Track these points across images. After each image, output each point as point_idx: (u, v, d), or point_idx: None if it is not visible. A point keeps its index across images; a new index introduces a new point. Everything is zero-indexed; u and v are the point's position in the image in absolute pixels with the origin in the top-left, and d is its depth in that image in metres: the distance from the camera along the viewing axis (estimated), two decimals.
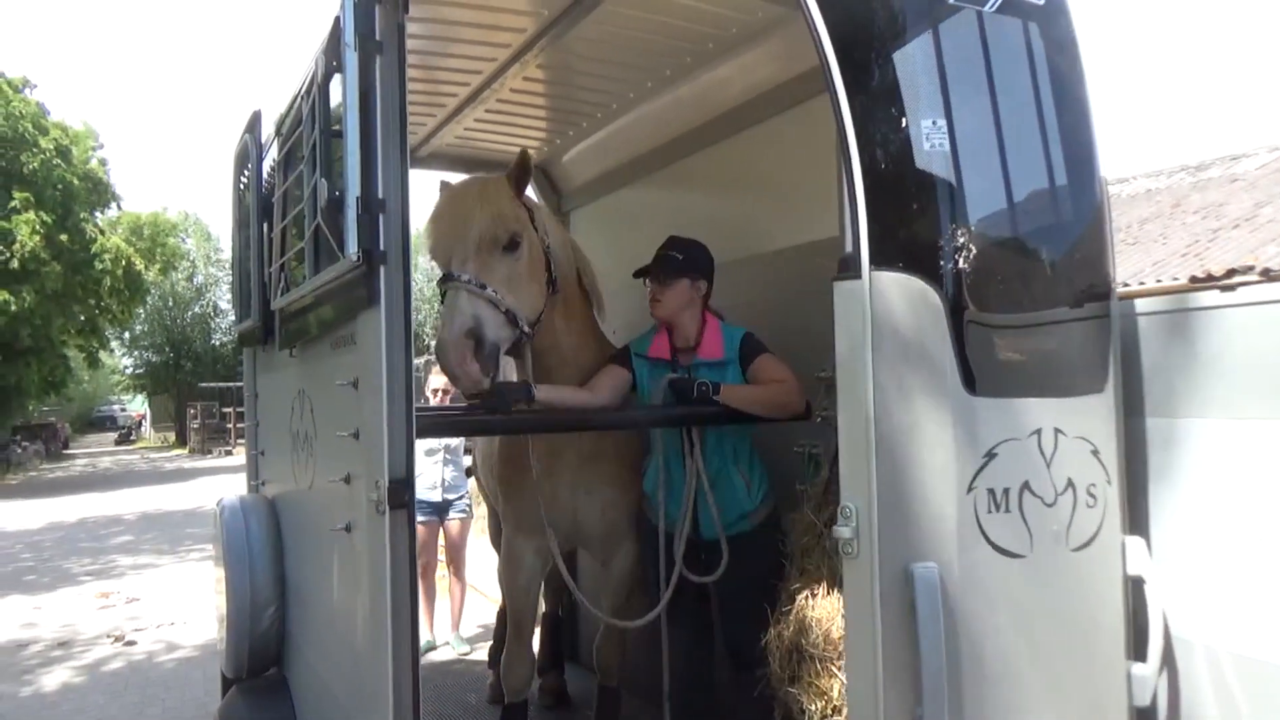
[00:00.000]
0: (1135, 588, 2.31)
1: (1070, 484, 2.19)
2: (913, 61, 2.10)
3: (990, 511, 2.07)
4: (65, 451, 43.33)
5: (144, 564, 11.64)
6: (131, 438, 51.80)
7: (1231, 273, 9.45)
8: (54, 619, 8.61)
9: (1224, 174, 14.55)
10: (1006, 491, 2.09)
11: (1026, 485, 2.12)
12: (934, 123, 2.06)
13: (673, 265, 3.51)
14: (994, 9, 2.19)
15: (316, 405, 3.54)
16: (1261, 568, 2.12)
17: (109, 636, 7.85)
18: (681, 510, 3.45)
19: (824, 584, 2.89)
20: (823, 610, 2.83)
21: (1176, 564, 2.32)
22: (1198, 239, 11.82)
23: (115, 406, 64.10)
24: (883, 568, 2.00)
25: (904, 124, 2.05)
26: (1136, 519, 2.36)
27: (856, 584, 2.07)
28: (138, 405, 58.78)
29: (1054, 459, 2.16)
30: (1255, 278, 9.01)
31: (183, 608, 8.64)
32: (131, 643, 7.64)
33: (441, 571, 7.10)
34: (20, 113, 23.78)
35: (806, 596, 2.91)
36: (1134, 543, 2.33)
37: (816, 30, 2.08)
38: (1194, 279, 9.81)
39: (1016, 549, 2.11)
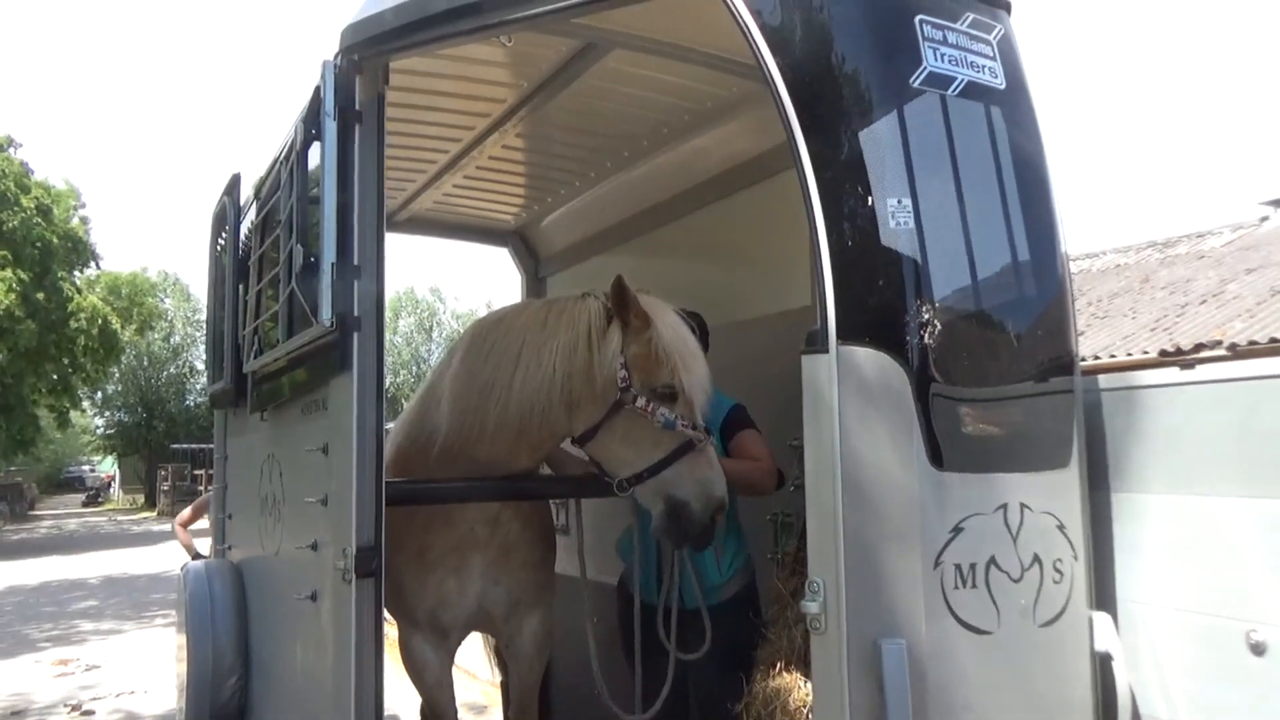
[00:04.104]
0: (1103, 664, 2.30)
1: (1037, 559, 2.19)
2: (878, 141, 2.15)
3: (957, 587, 2.07)
4: (31, 513, 42.50)
5: (106, 630, 11.35)
6: (100, 499, 50.91)
7: (1200, 347, 9.60)
8: (8, 687, 8.35)
9: (1191, 250, 14.87)
10: (973, 567, 2.09)
11: (993, 560, 2.12)
12: (899, 201, 2.10)
13: None
14: (957, 93, 2.26)
15: (286, 470, 3.51)
16: (1225, 645, 2.12)
17: (65, 706, 7.61)
18: (657, 581, 3.41)
19: (788, 655, 2.88)
20: (781, 683, 2.81)
21: (1144, 640, 2.32)
22: (1166, 314, 12.03)
23: (84, 467, 63.11)
24: (850, 643, 1.99)
25: (870, 202, 2.10)
26: (1103, 594, 2.36)
27: (824, 660, 2.05)
28: (107, 466, 57.88)
29: (1020, 534, 2.17)
30: (1223, 352, 9.17)
31: (144, 676, 8.40)
32: (89, 713, 7.41)
33: None
34: (3, 171, 23.85)
35: (769, 668, 2.90)
36: (1101, 618, 2.33)
37: (785, 111, 2.14)
38: (1164, 353, 9.96)
39: (984, 625, 2.10)
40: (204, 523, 7.00)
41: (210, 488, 5.99)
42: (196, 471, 37.10)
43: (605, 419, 3.02)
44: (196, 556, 6.31)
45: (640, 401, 2.96)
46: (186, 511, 7.33)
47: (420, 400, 3.63)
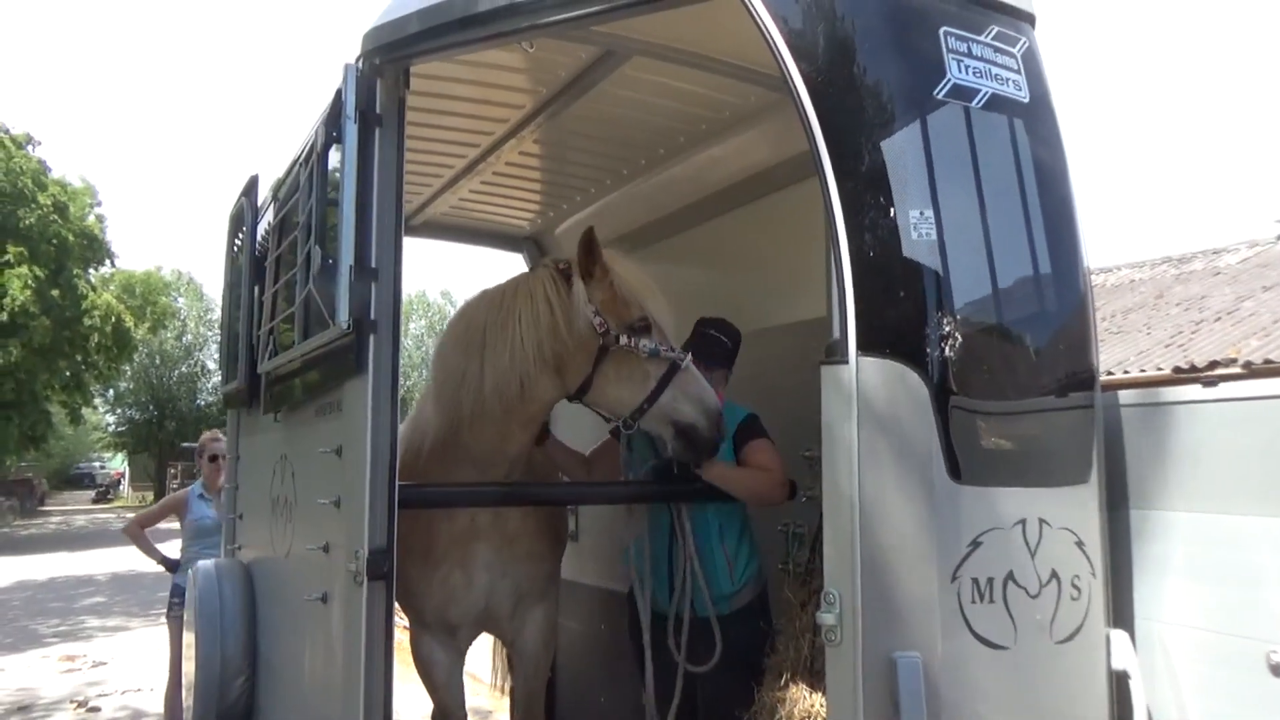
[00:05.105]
0: (1120, 682, 2.28)
1: (1054, 575, 2.17)
2: (901, 152, 2.14)
3: (974, 601, 2.05)
4: (40, 508, 42.64)
5: (113, 626, 11.38)
6: (109, 496, 51.00)
7: (1214, 364, 9.55)
8: (14, 681, 8.38)
9: (1206, 267, 14.81)
10: (990, 581, 2.07)
11: (1011, 576, 2.10)
12: (921, 213, 2.09)
13: (724, 352, 3.54)
14: (981, 105, 2.25)
15: (298, 471, 3.51)
16: (1244, 665, 2.10)
17: (71, 701, 7.64)
18: (669, 592, 3.40)
19: (796, 666, 2.86)
20: (789, 693, 2.80)
21: (1161, 659, 2.30)
22: (1181, 330, 11.97)
23: (94, 464, 63.29)
24: (866, 656, 1.97)
25: (892, 213, 2.09)
26: (1121, 612, 2.34)
27: (839, 672, 2.03)
28: (117, 463, 58.08)
29: (1038, 549, 2.15)
30: (1238, 370, 9.11)
31: (151, 673, 8.41)
32: (95, 709, 7.43)
33: None
34: (21, 169, 23.98)
35: (777, 678, 2.88)
36: (1118, 636, 2.30)
37: (808, 120, 2.13)
38: (1178, 369, 9.91)
39: (1000, 640, 2.08)
40: (170, 524, 6.65)
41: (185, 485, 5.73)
42: None
43: (595, 367, 3.18)
44: (163, 561, 6.24)
45: (623, 340, 3.14)
46: (149, 511, 6.94)
47: (417, 404, 3.74)
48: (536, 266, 3.43)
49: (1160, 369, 10.45)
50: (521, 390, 3.22)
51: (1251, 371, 8.89)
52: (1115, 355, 11.43)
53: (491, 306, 3.33)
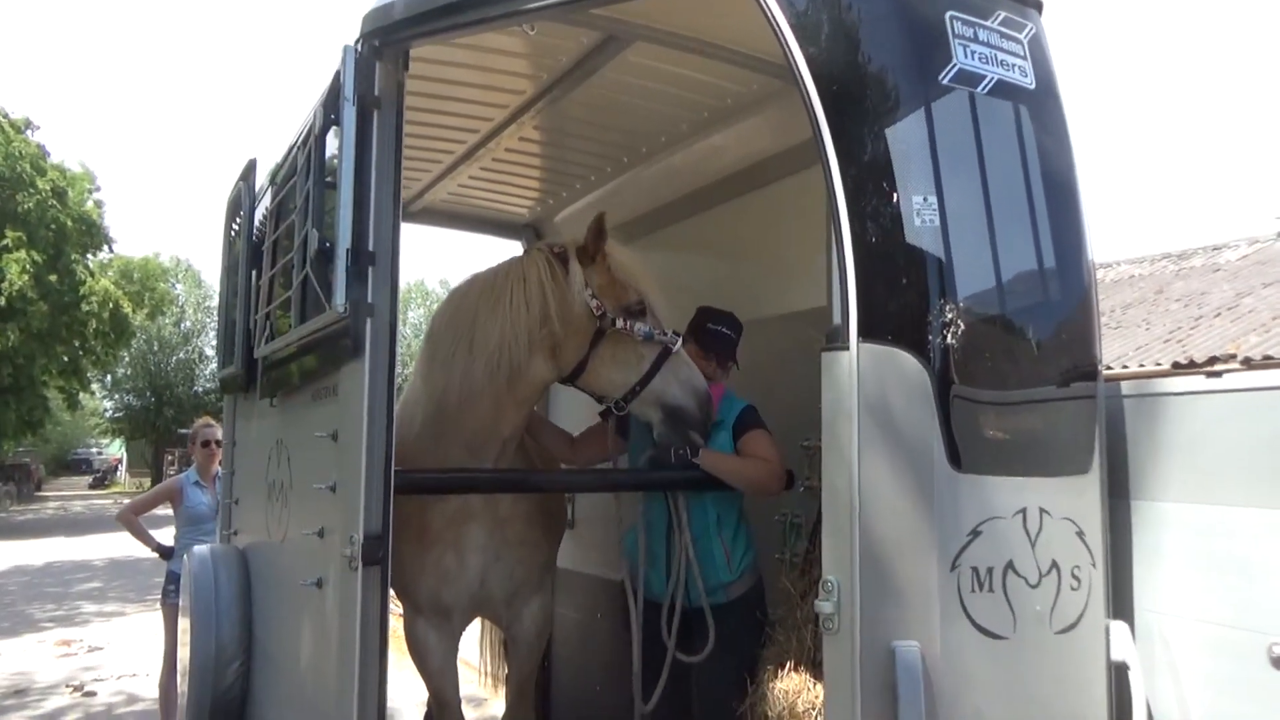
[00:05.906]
0: (1119, 673, 2.27)
1: (1055, 565, 2.16)
2: (905, 138, 2.12)
3: (974, 590, 2.04)
4: (38, 493, 42.72)
5: (110, 612, 11.38)
6: (106, 482, 51.06)
7: (1213, 360, 9.55)
8: (10, 665, 8.38)
9: (1206, 263, 14.80)
10: (990, 571, 2.06)
11: (1010, 565, 2.09)
12: (925, 199, 2.07)
13: (731, 347, 3.54)
14: (986, 91, 2.23)
15: (294, 456, 3.49)
16: (1244, 657, 2.09)
17: (67, 686, 7.64)
18: (666, 583, 3.39)
19: (798, 657, 2.85)
20: (790, 684, 2.78)
21: (1161, 650, 2.28)
22: (1180, 325, 11.97)
23: (92, 449, 63.33)
24: (864, 645, 1.96)
25: (895, 199, 2.07)
26: (1121, 603, 2.33)
27: (837, 661, 2.02)
28: (115, 449, 58.09)
29: (1039, 539, 2.14)
30: (1236, 366, 9.12)
31: (147, 658, 8.40)
32: (91, 693, 7.42)
33: None
34: (20, 153, 23.90)
35: (777, 669, 2.87)
36: (1118, 627, 2.29)
37: (812, 104, 2.11)
38: (1176, 364, 9.92)
39: (999, 630, 2.07)
40: (165, 510, 6.58)
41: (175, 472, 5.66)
42: None
43: (591, 350, 3.22)
44: (157, 548, 6.22)
45: (620, 323, 3.18)
46: (142, 498, 6.89)
47: (407, 388, 3.75)
48: (530, 250, 3.43)
49: (1159, 364, 10.45)
50: (512, 372, 3.22)
51: (1251, 367, 8.89)
52: (1114, 350, 11.44)
53: (483, 289, 3.33)
